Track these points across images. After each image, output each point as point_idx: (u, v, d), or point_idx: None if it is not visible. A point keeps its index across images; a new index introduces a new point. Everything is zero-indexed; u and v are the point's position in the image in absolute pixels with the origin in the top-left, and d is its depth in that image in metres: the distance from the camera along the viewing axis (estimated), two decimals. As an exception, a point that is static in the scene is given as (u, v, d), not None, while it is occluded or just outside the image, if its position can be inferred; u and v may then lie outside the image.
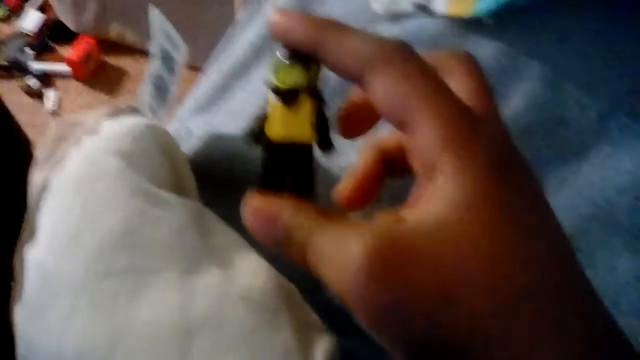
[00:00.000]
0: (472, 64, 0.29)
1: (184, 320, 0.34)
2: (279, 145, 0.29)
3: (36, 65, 1.97)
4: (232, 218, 0.45)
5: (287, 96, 0.29)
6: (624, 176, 0.45)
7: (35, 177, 0.41)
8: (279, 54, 0.29)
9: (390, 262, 0.23)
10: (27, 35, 2.04)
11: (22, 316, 0.36)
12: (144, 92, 0.50)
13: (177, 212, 0.39)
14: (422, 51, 0.27)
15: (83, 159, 0.40)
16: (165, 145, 0.45)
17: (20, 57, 1.98)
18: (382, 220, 0.26)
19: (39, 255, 0.37)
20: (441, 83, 0.26)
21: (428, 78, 0.26)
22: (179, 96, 0.64)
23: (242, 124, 0.55)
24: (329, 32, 0.27)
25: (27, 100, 1.94)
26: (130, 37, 1.93)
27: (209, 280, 0.36)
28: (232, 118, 0.57)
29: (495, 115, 0.27)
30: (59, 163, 0.40)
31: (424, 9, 0.55)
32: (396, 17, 0.57)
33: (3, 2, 2.14)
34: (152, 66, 0.49)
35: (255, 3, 0.68)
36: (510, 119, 0.48)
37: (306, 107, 0.29)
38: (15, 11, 2.13)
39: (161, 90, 0.52)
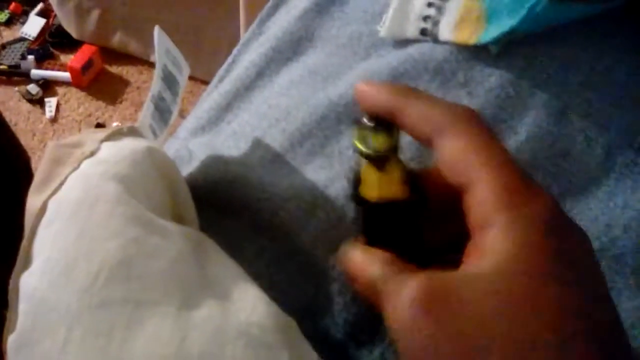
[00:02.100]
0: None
1: (179, 355, 0.34)
2: (377, 205, 0.32)
3: (37, 72, 1.97)
4: (230, 244, 0.45)
5: (379, 161, 0.32)
6: (630, 213, 0.45)
7: (32, 202, 0.40)
8: (365, 120, 0.32)
9: (438, 298, 0.26)
10: (28, 41, 2.04)
11: (14, 346, 0.35)
12: (146, 113, 0.49)
13: (175, 242, 0.38)
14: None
15: (80, 183, 0.39)
16: (165, 169, 0.44)
17: (22, 64, 1.98)
18: (439, 270, 0.28)
19: (33, 284, 0.36)
20: (500, 147, 0.28)
21: (488, 143, 0.28)
22: (180, 109, 0.64)
23: (243, 146, 0.55)
24: (406, 99, 0.30)
25: (26, 106, 1.94)
26: (133, 46, 1.92)
27: (207, 314, 0.36)
28: (233, 139, 0.56)
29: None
30: (57, 187, 0.40)
31: (429, 35, 0.54)
32: (402, 42, 0.56)
33: (6, 7, 2.14)
34: (154, 87, 0.49)
35: (259, 24, 0.68)
36: (515, 149, 0.48)
37: (395, 167, 0.32)
38: (18, 16, 2.13)
39: (162, 111, 0.52)
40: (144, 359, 0.34)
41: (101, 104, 1.96)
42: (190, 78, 1.68)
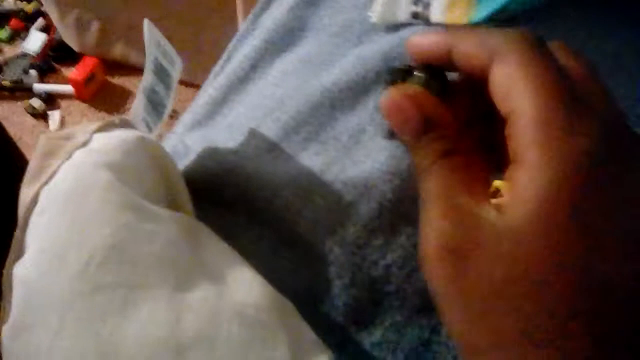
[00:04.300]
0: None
1: (174, 337, 0.33)
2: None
3: (40, 87, 1.98)
4: (227, 233, 0.44)
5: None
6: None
7: (25, 194, 0.40)
8: (415, 73, 0.30)
9: (463, 253, 0.25)
10: (30, 56, 2.05)
11: (8, 335, 0.35)
12: (138, 106, 0.49)
13: (167, 226, 0.38)
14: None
15: (72, 173, 0.39)
16: (157, 158, 0.44)
17: (24, 79, 1.99)
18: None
19: (26, 273, 0.36)
20: (551, 73, 0.25)
21: (538, 68, 0.25)
22: (181, 113, 0.64)
23: (238, 137, 0.54)
24: (461, 34, 0.28)
25: (31, 121, 1.94)
26: (134, 57, 1.93)
27: (201, 296, 0.35)
28: (229, 132, 0.56)
29: (604, 102, 0.26)
30: (49, 178, 0.40)
31: (421, 18, 0.54)
32: (394, 27, 0.56)
33: (7, 24, 2.15)
34: (145, 80, 0.48)
35: (252, 20, 0.68)
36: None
37: None
38: (19, 33, 2.14)
39: (156, 105, 0.52)
40: (139, 342, 0.33)
41: (104, 115, 1.97)
42: (191, 85, 1.69)
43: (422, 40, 0.30)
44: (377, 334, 0.43)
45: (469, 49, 0.28)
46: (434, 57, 0.29)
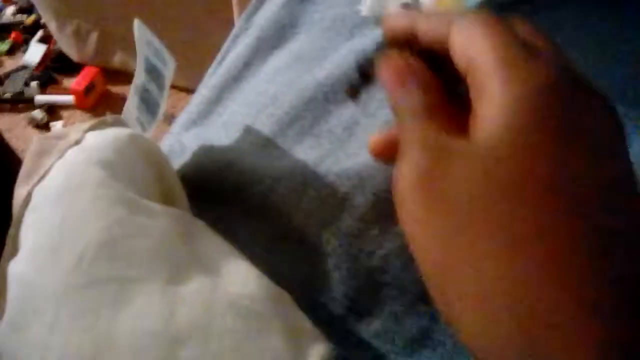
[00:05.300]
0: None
1: (168, 329, 0.33)
2: None
3: (41, 98, 1.98)
4: (223, 229, 0.44)
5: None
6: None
7: (18, 193, 0.40)
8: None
9: (433, 176, 0.26)
10: (31, 68, 2.06)
11: (4, 331, 0.35)
12: (131, 106, 0.49)
13: (160, 220, 0.38)
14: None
15: (64, 170, 0.39)
16: (150, 155, 0.44)
17: (25, 91, 2.00)
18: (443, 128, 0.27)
19: (20, 270, 0.36)
20: (508, 28, 0.27)
21: (493, 25, 0.26)
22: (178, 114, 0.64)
23: (233, 134, 0.55)
24: (421, 14, 0.30)
25: (33, 132, 1.95)
26: (133, 65, 1.93)
27: (195, 288, 0.35)
28: (224, 129, 0.56)
29: (553, 51, 0.27)
30: (41, 177, 0.40)
31: (411, 9, 0.54)
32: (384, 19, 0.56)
33: (7, 36, 2.16)
34: (138, 79, 0.49)
35: (245, 19, 0.68)
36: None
37: None
38: (19, 45, 2.15)
39: (149, 104, 0.52)
40: (133, 335, 0.33)
41: (111, 115, 1.97)
42: (192, 91, 1.69)
43: (391, 21, 0.32)
44: (376, 324, 0.42)
45: (430, 24, 0.29)
46: (403, 35, 0.31)
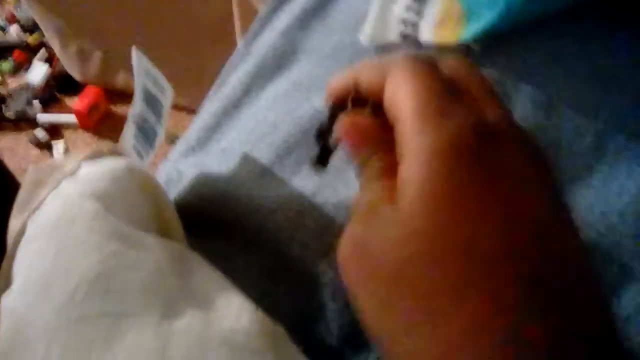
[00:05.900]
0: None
1: (161, 366, 0.33)
2: None
3: (44, 117, 1.99)
4: (219, 260, 0.44)
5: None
6: (626, 199, 0.44)
7: (13, 224, 0.40)
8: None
9: (359, 251, 0.27)
10: (34, 87, 2.06)
11: (-6, 367, 0.35)
12: (127, 134, 0.49)
13: (154, 254, 0.38)
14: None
15: (59, 202, 0.39)
16: (147, 187, 0.44)
17: (28, 110, 2.01)
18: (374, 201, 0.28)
19: (13, 303, 0.36)
20: (425, 76, 0.27)
21: (414, 76, 0.27)
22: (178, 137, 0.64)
23: (231, 162, 0.54)
24: (360, 68, 0.31)
25: (35, 152, 1.95)
26: (136, 85, 1.94)
27: (189, 323, 0.35)
28: (222, 157, 0.56)
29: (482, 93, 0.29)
30: (36, 207, 0.39)
31: (410, 38, 0.54)
32: (384, 48, 0.56)
33: (10, 56, 2.17)
34: (135, 108, 0.49)
35: (245, 44, 0.68)
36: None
37: None
38: (22, 64, 2.16)
39: (146, 133, 0.52)
40: (125, 371, 0.33)
41: (108, 144, 1.97)
42: (193, 112, 1.69)
43: (334, 84, 0.33)
44: (372, 358, 0.42)
45: (369, 77, 0.30)
46: (347, 93, 0.32)
